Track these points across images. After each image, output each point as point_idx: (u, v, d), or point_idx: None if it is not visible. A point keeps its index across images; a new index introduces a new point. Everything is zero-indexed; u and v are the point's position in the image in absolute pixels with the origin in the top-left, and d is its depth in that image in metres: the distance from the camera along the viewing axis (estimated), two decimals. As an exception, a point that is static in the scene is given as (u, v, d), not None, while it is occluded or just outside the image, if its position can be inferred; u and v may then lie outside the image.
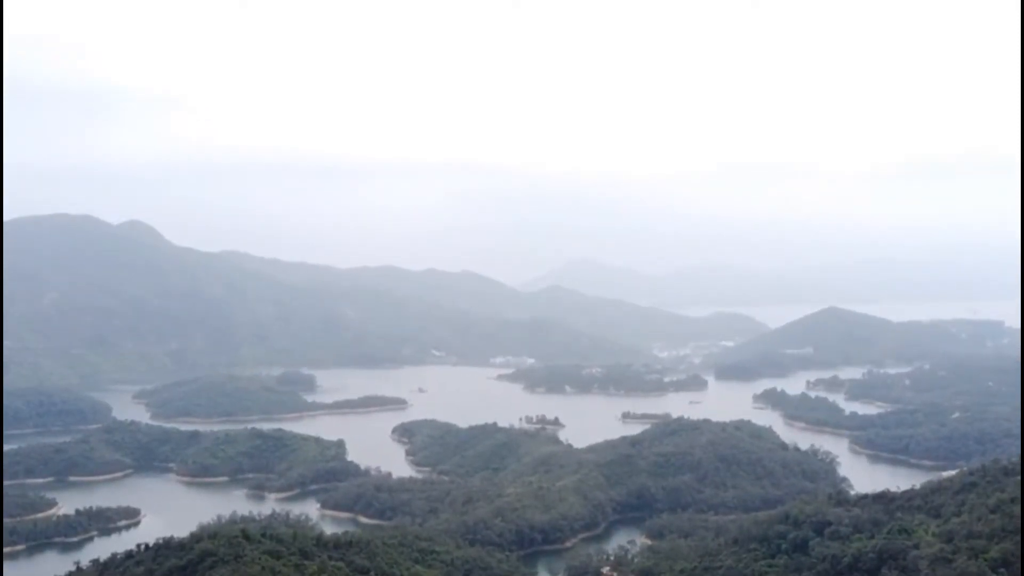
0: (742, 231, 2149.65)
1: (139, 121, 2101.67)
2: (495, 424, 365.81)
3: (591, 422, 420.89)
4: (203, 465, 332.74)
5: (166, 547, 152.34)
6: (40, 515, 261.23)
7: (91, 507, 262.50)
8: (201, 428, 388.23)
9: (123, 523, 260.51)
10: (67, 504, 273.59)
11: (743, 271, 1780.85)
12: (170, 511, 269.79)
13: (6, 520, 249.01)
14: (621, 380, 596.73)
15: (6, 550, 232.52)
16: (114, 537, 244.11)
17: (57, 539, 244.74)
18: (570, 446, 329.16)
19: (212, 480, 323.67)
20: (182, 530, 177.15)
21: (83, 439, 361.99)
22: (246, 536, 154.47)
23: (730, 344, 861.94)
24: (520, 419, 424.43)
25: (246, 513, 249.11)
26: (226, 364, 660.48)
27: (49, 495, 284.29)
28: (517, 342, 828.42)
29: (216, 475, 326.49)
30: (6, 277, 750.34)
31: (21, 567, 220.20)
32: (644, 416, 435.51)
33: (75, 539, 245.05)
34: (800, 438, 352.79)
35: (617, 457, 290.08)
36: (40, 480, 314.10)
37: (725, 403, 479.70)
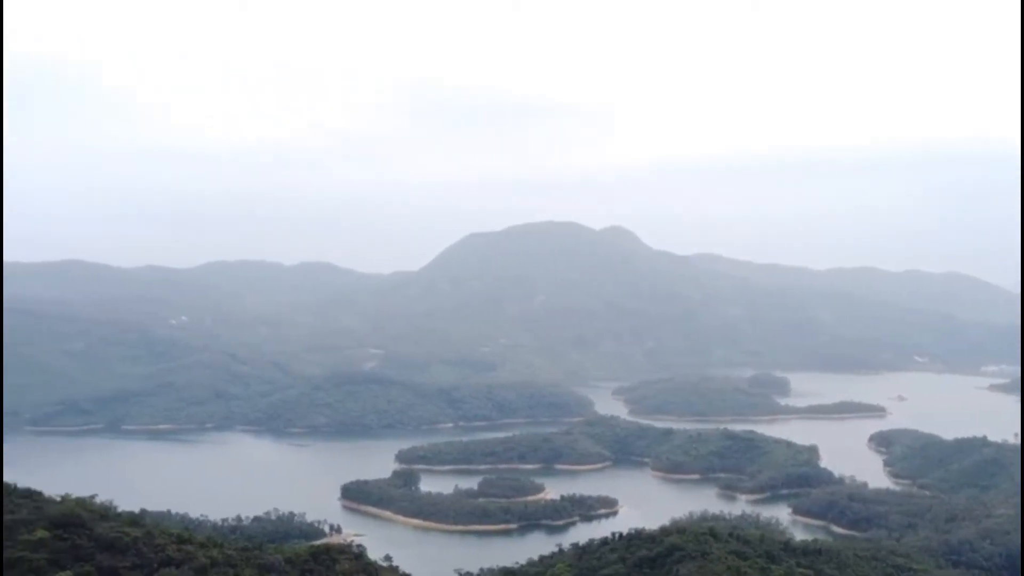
0: None
1: (620, 131, 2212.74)
2: (984, 438, 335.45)
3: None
4: (676, 462, 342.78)
5: (638, 538, 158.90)
6: (530, 498, 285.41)
7: (574, 494, 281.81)
8: (675, 426, 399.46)
9: (602, 511, 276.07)
10: (553, 490, 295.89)
11: None
12: (644, 504, 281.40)
13: (503, 500, 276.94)
14: None
15: (501, 527, 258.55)
16: (594, 524, 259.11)
17: (544, 521, 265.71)
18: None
19: (684, 477, 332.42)
20: (654, 523, 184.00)
21: (567, 431, 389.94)
22: (713, 534, 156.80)
23: None
24: (1014, 434, 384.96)
25: (716, 512, 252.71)
26: (698, 364, 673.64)
27: (538, 480, 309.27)
28: (1013, 350, 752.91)
29: (688, 472, 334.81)
30: (503, 280, 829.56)
31: (513, 543, 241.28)
32: None
33: (560, 522, 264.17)
34: None
35: None
36: (530, 466, 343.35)
37: None
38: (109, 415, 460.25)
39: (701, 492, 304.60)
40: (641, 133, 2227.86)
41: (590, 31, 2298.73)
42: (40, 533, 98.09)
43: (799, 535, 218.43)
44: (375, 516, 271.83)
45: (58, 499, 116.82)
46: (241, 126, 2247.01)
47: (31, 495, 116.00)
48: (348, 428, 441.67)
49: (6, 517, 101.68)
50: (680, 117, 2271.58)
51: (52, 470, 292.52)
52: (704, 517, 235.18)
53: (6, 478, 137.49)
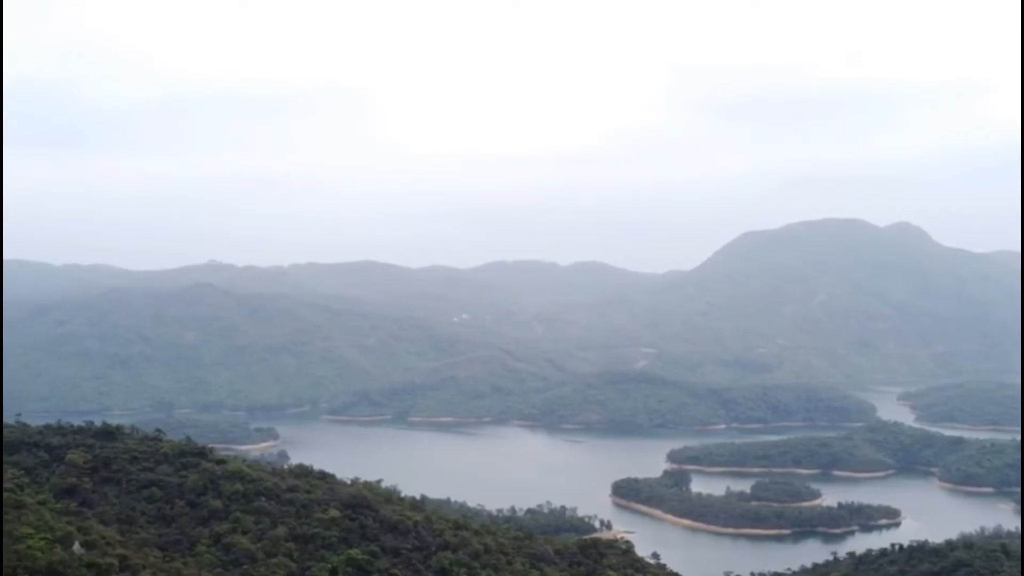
0: None
1: (904, 121, 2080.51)
2: None
3: None
4: (967, 473, 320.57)
5: (920, 551, 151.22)
6: (805, 504, 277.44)
7: (852, 502, 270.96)
8: (966, 435, 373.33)
9: (883, 522, 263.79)
10: (830, 496, 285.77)
11: None
12: (929, 516, 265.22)
13: (776, 504, 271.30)
14: None
15: (773, 532, 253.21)
16: (873, 534, 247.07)
17: (820, 528, 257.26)
18: None
19: (976, 490, 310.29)
20: (939, 536, 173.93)
21: (847, 436, 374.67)
22: (1006, 552, 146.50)
23: None
24: None
25: (1012, 529, 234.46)
26: (994, 370, 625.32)
27: (814, 486, 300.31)
28: None
29: (980, 485, 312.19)
30: (781, 280, 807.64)
31: (786, 549, 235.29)
32: None
33: (836, 531, 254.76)
34: None
35: None
36: (806, 471, 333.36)
37: None
38: (397, 406, 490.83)
39: (995, 507, 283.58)
40: (928, 122, 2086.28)
41: (867, 11, 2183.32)
42: (332, 512, 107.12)
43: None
44: (645, 514, 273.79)
45: (349, 482, 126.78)
46: (515, 132, 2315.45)
47: (325, 477, 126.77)
48: (620, 426, 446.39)
49: (304, 496, 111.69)
50: (969, 102, 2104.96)
51: (345, 455, 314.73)
52: (997, 534, 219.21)
53: (306, 461, 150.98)
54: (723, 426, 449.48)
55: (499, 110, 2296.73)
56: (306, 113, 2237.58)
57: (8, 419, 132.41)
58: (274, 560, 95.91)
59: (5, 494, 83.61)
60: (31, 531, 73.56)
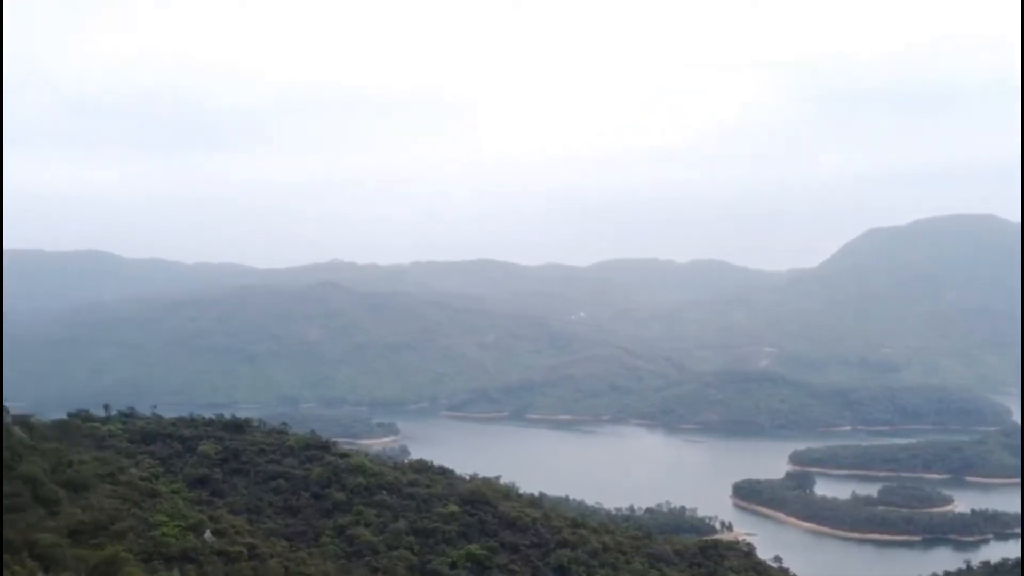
0: None
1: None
2: None
3: None
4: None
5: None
6: (935, 509, 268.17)
7: (986, 509, 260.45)
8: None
9: (1019, 530, 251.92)
10: (962, 503, 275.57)
11: None
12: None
13: (905, 510, 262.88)
14: None
15: (902, 538, 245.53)
16: (1009, 543, 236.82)
17: (951, 536, 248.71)
18: None
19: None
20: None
21: (980, 440, 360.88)
22: None
23: None
24: None
25: None
26: None
27: (945, 491, 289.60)
28: None
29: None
30: (908, 278, 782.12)
31: (915, 556, 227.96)
32: None
33: (969, 539, 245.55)
34: None
35: None
36: (936, 475, 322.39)
37: None
38: (515, 404, 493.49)
39: None
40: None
41: None
42: (451, 507, 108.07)
43: None
44: (766, 516, 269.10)
45: (467, 478, 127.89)
46: (634, 129, 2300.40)
47: (445, 473, 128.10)
48: (740, 426, 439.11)
49: (425, 491, 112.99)
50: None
51: (463, 451, 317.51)
52: None
53: (427, 456, 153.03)
54: (848, 428, 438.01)
55: (618, 108, 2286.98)
56: (422, 115, 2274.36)
57: (144, 411, 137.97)
58: (395, 553, 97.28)
59: (142, 483, 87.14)
60: (165, 519, 76.26)
